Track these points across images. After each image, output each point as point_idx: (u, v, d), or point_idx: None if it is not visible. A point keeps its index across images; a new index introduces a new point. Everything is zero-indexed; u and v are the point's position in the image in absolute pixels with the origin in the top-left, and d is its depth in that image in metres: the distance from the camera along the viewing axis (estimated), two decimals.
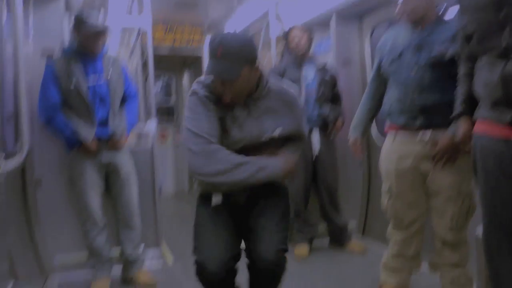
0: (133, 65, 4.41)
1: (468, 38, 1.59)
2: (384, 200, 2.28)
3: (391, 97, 2.18)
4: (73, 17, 2.60)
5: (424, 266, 2.33)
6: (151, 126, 3.23)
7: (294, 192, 3.27)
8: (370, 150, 3.56)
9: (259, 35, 3.98)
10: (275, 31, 3.53)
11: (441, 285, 2.18)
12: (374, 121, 2.69)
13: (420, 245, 2.25)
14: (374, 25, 3.53)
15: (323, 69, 3.30)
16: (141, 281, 2.77)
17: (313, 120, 3.23)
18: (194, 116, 1.67)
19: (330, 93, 3.31)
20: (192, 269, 1.72)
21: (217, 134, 1.68)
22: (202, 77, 1.76)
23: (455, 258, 2.10)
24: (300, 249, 3.25)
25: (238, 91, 1.65)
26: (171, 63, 6.77)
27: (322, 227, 3.44)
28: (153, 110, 3.34)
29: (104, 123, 2.65)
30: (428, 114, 2.03)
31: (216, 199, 1.76)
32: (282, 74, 3.27)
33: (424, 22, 2.04)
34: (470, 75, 1.71)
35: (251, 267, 1.78)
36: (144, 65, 3.43)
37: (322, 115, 3.23)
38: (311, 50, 3.39)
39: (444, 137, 1.98)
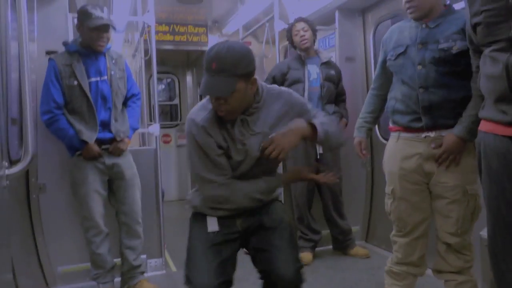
0: (137, 64, 4.42)
1: (475, 31, 1.52)
2: (388, 202, 2.22)
3: (396, 95, 2.14)
4: (77, 12, 2.59)
5: (429, 270, 2.29)
6: (155, 128, 3.23)
7: (297, 195, 3.28)
8: (373, 151, 3.55)
9: (263, 31, 3.97)
10: (279, 27, 3.52)
11: None
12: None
13: (425, 249, 2.19)
14: (377, 20, 3.51)
15: (327, 64, 3.28)
16: None
17: None
18: (199, 160, 1.66)
19: (335, 91, 3.30)
20: None
21: (226, 164, 1.68)
22: (196, 108, 1.71)
23: (460, 263, 2.06)
24: (303, 255, 3.22)
25: (233, 106, 1.58)
26: (175, 62, 6.76)
27: (325, 232, 3.43)
28: (157, 111, 3.34)
29: (106, 125, 2.64)
30: (433, 113, 1.99)
31: (213, 226, 1.73)
32: (285, 72, 3.27)
33: (430, 16, 2.00)
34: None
35: None
36: (148, 64, 3.43)
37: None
38: (316, 45, 3.36)
39: (448, 137, 1.96)
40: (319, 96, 3.21)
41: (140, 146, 4.22)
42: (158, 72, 3.30)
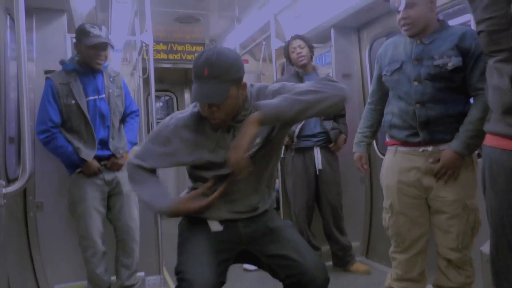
0: (135, 83, 4.45)
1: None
2: (386, 217, 2.20)
3: (392, 110, 2.14)
4: (76, 30, 2.61)
5: (430, 286, 2.26)
6: None
7: (297, 211, 3.26)
8: (372, 166, 3.56)
9: (260, 49, 4.01)
10: (275, 45, 3.56)
11: None
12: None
13: (424, 264, 2.16)
14: (373, 37, 3.55)
15: None
16: None
17: (315, 137, 3.23)
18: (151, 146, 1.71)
19: None
20: None
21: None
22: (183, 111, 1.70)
23: (461, 279, 2.04)
24: None
25: (226, 113, 1.56)
26: (172, 80, 6.81)
27: (325, 248, 3.42)
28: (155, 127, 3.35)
29: (104, 143, 2.64)
30: (430, 128, 2.00)
31: (216, 226, 1.70)
32: None
33: (425, 32, 2.01)
34: None
35: None
36: (146, 82, 3.45)
37: (323, 132, 3.23)
38: (313, 62, 3.40)
39: (445, 153, 1.96)
40: None
41: None
42: (156, 90, 3.32)
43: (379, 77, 2.25)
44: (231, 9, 4.33)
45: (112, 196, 2.72)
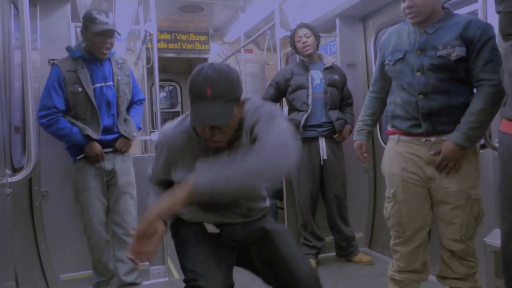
0: (139, 72, 4.45)
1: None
2: (388, 206, 2.17)
3: (395, 100, 2.12)
4: (82, 17, 2.60)
5: (433, 276, 2.27)
6: (157, 136, 3.22)
7: (301, 201, 3.27)
8: (375, 157, 3.55)
9: (264, 38, 3.99)
10: (280, 34, 3.54)
11: None
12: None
13: (426, 256, 2.15)
14: (378, 27, 3.52)
15: (330, 69, 3.28)
16: None
17: (321, 127, 3.22)
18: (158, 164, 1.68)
19: (339, 96, 3.30)
20: None
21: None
22: (172, 124, 1.62)
23: (464, 269, 2.03)
24: None
25: (228, 134, 1.46)
26: (176, 70, 6.80)
27: (328, 239, 3.42)
28: (159, 119, 3.35)
29: (107, 130, 2.63)
30: (433, 119, 1.98)
31: (212, 228, 1.65)
32: (289, 77, 3.27)
33: (430, 20, 1.98)
34: None
35: None
36: (150, 71, 3.45)
37: (329, 121, 3.22)
38: (318, 50, 3.37)
39: (446, 144, 1.95)
40: (322, 102, 3.21)
41: (142, 153, 4.23)
42: (160, 80, 3.32)
43: (382, 65, 2.23)
44: None
45: (109, 187, 2.72)
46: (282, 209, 3.64)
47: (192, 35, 5.47)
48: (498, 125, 1.75)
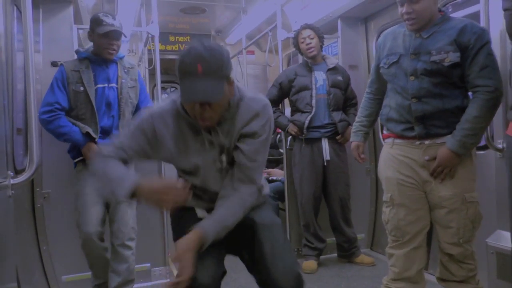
0: (141, 74, 4.45)
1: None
2: (386, 211, 2.16)
3: (390, 103, 2.12)
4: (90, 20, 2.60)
5: (433, 277, 2.26)
6: None
7: (304, 202, 3.26)
8: (377, 159, 3.54)
9: (266, 40, 4.00)
10: (282, 36, 3.55)
11: None
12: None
13: (423, 263, 2.12)
14: (380, 28, 3.52)
15: (334, 70, 3.28)
16: None
17: (324, 128, 3.22)
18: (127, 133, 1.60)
19: (342, 97, 3.30)
20: None
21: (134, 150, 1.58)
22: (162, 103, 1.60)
23: (463, 272, 2.03)
24: (308, 263, 3.21)
25: (217, 112, 1.46)
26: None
27: (330, 240, 3.42)
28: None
29: (106, 132, 2.60)
30: (426, 122, 1.98)
31: (202, 213, 1.67)
32: (292, 78, 3.27)
33: (427, 25, 1.98)
34: None
35: None
36: (152, 73, 3.45)
37: (332, 123, 3.22)
38: (322, 51, 3.37)
39: (442, 151, 1.94)
40: (325, 103, 3.21)
41: None
42: (162, 82, 3.32)
43: (378, 67, 2.23)
44: None
45: None
46: (284, 210, 3.64)
47: (194, 36, 5.47)
48: (499, 126, 1.74)
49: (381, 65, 2.16)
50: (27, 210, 2.81)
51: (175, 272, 3.20)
